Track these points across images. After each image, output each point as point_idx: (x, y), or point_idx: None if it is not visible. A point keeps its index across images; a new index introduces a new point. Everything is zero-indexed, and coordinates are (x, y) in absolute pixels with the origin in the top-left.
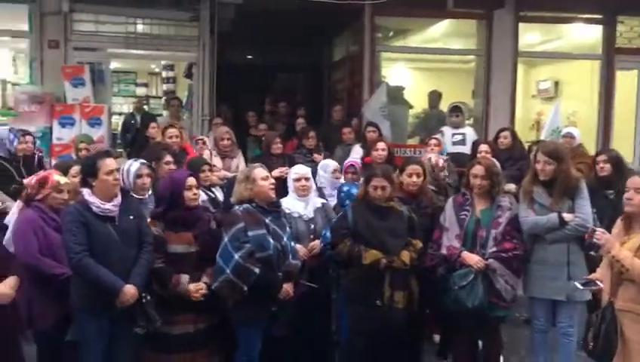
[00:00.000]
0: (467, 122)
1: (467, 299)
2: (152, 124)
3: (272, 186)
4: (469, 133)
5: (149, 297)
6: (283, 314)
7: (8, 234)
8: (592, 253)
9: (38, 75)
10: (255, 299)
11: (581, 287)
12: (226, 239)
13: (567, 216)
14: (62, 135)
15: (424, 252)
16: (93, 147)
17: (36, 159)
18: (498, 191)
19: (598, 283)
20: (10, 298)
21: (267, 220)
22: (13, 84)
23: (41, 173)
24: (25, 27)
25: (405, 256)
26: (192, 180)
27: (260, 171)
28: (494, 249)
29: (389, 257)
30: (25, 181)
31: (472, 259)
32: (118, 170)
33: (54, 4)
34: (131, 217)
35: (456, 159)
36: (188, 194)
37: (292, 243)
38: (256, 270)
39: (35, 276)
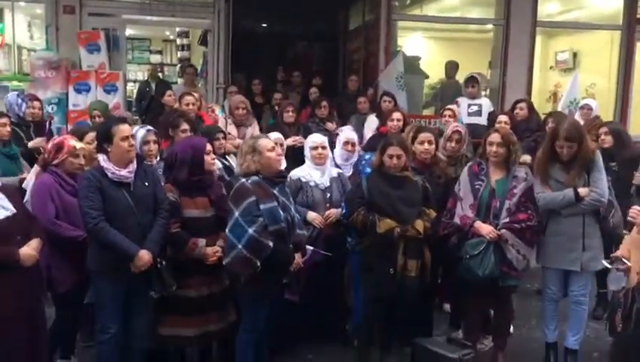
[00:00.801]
0: (483, 93)
1: (478, 268)
2: (168, 92)
3: (279, 157)
4: (485, 104)
5: (164, 262)
6: (295, 283)
7: (26, 197)
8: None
9: (54, 40)
10: (267, 273)
11: (609, 266)
12: (236, 214)
13: (582, 191)
14: (77, 101)
15: (438, 221)
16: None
17: (47, 125)
18: (514, 160)
19: (625, 261)
20: (34, 259)
21: (275, 191)
22: (29, 50)
23: (57, 138)
24: None
25: (419, 225)
26: (209, 145)
27: (265, 142)
28: (507, 219)
29: (403, 226)
30: (30, 144)
31: (485, 229)
32: (133, 136)
33: None
34: (146, 183)
35: (472, 130)
36: (207, 158)
37: (297, 214)
38: (270, 244)
39: (52, 240)
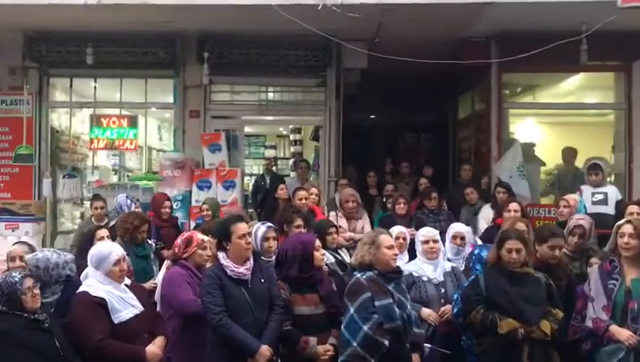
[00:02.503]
0: (608, 179)
1: None
2: (281, 186)
3: (395, 256)
4: (612, 191)
5: (279, 361)
6: None
7: (157, 293)
8: None
9: (180, 142)
10: None
11: None
12: (352, 310)
13: None
14: (200, 197)
15: (565, 324)
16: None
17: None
18: None
19: None
20: (159, 358)
21: (390, 287)
22: (158, 150)
23: (186, 233)
24: (170, 99)
25: (546, 326)
26: (318, 241)
27: (385, 238)
28: None
29: (527, 327)
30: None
31: (623, 334)
32: (250, 233)
33: (196, 78)
34: (262, 280)
35: (597, 220)
36: (317, 254)
37: (414, 312)
38: (386, 342)
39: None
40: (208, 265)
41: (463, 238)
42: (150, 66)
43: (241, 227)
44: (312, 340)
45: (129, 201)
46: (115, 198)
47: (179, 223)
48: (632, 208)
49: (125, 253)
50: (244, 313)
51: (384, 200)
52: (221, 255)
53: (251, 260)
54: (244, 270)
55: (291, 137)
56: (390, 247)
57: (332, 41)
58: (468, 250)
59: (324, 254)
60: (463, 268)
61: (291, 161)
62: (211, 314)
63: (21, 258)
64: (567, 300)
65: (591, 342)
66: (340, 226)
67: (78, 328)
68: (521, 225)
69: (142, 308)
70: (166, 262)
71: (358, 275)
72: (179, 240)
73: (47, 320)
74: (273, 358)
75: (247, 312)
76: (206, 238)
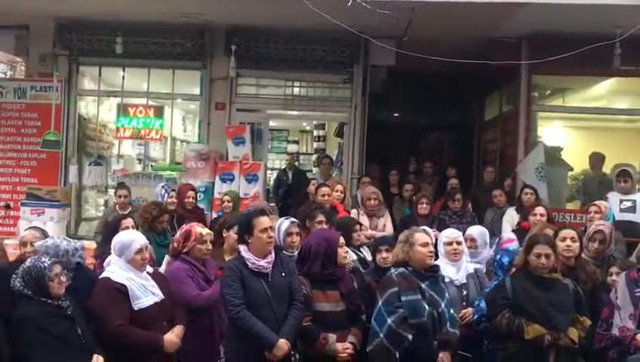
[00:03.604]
0: (638, 186)
1: None
2: (313, 181)
3: (431, 254)
4: None
5: (297, 356)
6: None
7: None
8: None
9: (205, 133)
10: None
11: None
12: (380, 303)
13: None
14: (222, 189)
15: (591, 331)
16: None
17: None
18: None
19: None
20: (177, 346)
21: (423, 285)
22: (182, 141)
23: (185, 227)
24: (196, 91)
25: (573, 333)
26: (342, 238)
27: (421, 236)
28: None
29: (554, 333)
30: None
31: None
32: (272, 228)
33: (223, 70)
34: (283, 274)
35: (625, 228)
36: (341, 252)
37: (451, 311)
38: (409, 336)
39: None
40: (227, 258)
41: (473, 240)
42: (178, 57)
43: (264, 221)
44: (332, 337)
45: (163, 191)
46: (139, 188)
47: (204, 214)
48: None
49: (147, 242)
50: (263, 306)
51: (404, 197)
52: (242, 248)
53: (272, 254)
54: (265, 263)
55: (315, 133)
56: (425, 245)
57: (360, 37)
58: (487, 251)
59: (347, 252)
60: (485, 270)
61: (314, 157)
62: (230, 306)
63: (32, 243)
64: (592, 306)
65: (617, 350)
66: (361, 224)
67: (98, 313)
68: (549, 231)
69: (162, 297)
70: (166, 258)
71: (392, 271)
72: (177, 235)
73: (69, 308)
74: (291, 352)
75: (266, 305)
76: (205, 231)
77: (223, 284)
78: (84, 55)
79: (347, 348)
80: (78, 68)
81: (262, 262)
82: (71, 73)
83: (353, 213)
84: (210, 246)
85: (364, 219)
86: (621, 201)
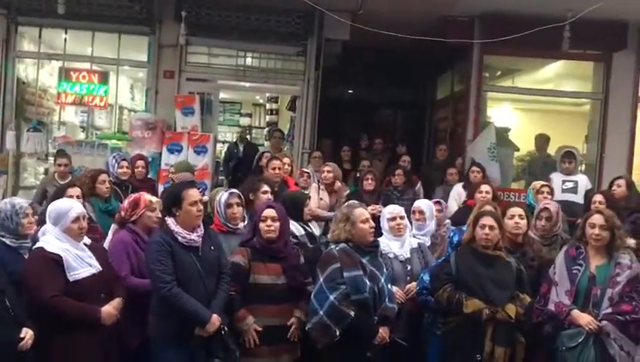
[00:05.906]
0: (579, 169)
1: None
2: (266, 154)
3: (372, 229)
4: (582, 180)
5: (226, 329)
6: (378, 359)
7: None
8: None
9: (152, 102)
10: (349, 343)
11: None
12: (321, 279)
13: None
14: (169, 160)
15: (531, 308)
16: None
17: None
18: (617, 246)
19: None
20: (115, 318)
21: (364, 260)
22: (129, 110)
23: (132, 196)
24: (144, 57)
25: (511, 309)
26: (268, 211)
27: (360, 213)
28: (609, 310)
29: (492, 308)
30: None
31: (584, 318)
32: (201, 201)
33: (173, 37)
34: (212, 248)
35: (566, 208)
36: (262, 225)
37: (389, 286)
38: (351, 313)
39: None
40: None
41: (421, 212)
42: (125, 21)
43: (193, 193)
44: (250, 319)
45: (114, 161)
46: (81, 156)
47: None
48: (596, 197)
49: (85, 211)
50: (194, 281)
51: (357, 175)
52: (170, 221)
53: (202, 227)
54: (196, 237)
55: (267, 106)
56: (365, 221)
57: (315, 9)
58: (432, 225)
59: (270, 225)
60: (429, 243)
61: (266, 131)
62: (160, 283)
63: None
64: (538, 283)
65: (552, 325)
66: (321, 199)
67: (31, 283)
68: (489, 208)
69: (99, 268)
70: (112, 226)
71: (332, 246)
72: (125, 203)
73: None
74: (221, 326)
75: (197, 280)
76: (154, 199)
77: (151, 259)
78: (23, 14)
79: (292, 323)
80: (17, 28)
81: (193, 236)
82: (9, 33)
83: (313, 187)
84: (160, 215)
85: (325, 195)
86: (563, 182)
